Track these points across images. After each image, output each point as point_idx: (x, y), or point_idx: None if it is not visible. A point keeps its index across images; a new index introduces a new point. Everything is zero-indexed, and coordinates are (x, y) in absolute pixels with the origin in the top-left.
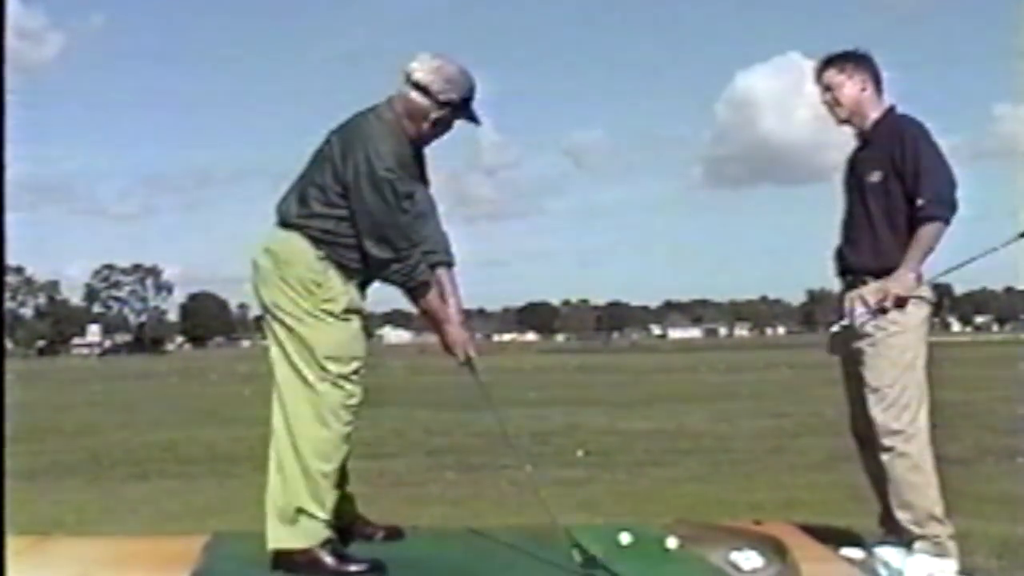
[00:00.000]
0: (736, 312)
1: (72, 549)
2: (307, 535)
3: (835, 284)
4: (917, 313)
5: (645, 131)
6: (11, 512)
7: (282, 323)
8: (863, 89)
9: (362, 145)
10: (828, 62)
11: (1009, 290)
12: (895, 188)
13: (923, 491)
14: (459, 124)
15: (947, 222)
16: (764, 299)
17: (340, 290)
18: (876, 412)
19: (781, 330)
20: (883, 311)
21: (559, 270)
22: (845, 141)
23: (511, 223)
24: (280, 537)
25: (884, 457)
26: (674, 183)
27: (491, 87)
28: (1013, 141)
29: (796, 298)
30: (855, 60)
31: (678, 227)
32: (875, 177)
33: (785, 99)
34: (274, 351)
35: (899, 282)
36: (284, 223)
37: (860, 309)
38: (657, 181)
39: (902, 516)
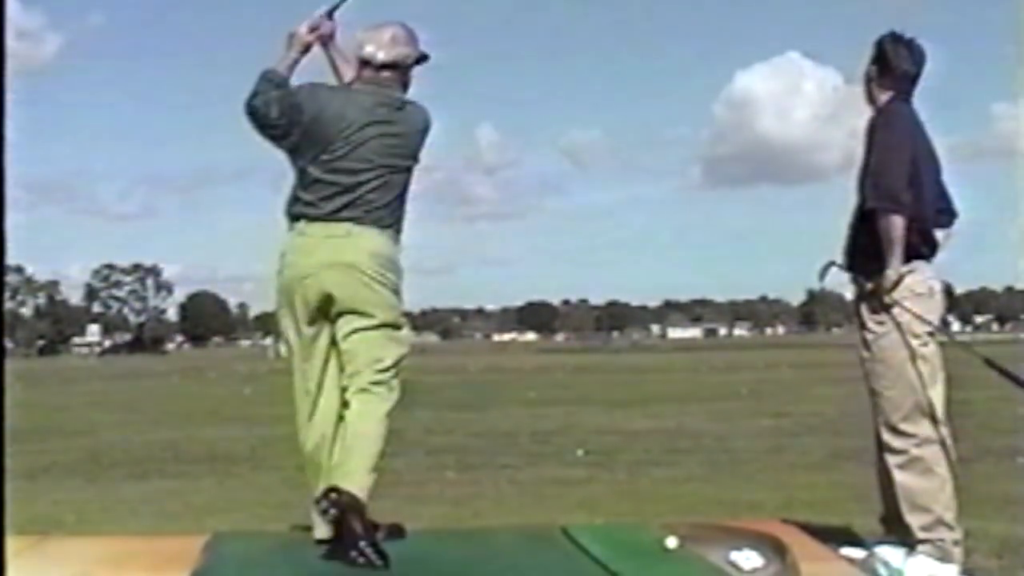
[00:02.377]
0: (736, 312)
1: (72, 549)
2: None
3: (833, 284)
4: (903, 312)
5: (644, 131)
6: (11, 512)
7: None
8: (873, 75)
9: None
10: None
11: (1009, 290)
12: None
13: (934, 496)
14: (460, 126)
15: (896, 213)
16: (764, 299)
17: (288, 249)
18: (885, 415)
19: (781, 330)
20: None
21: (559, 270)
22: (845, 141)
23: (511, 223)
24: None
25: (893, 460)
26: (673, 183)
27: (491, 87)
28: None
29: (796, 298)
30: (902, 45)
31: (678, 227)
32: (861, 175)
33: (784, 99)
34: None
35: (882, 281)
36: None
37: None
38: (656, 181)
39: (911, 520)
